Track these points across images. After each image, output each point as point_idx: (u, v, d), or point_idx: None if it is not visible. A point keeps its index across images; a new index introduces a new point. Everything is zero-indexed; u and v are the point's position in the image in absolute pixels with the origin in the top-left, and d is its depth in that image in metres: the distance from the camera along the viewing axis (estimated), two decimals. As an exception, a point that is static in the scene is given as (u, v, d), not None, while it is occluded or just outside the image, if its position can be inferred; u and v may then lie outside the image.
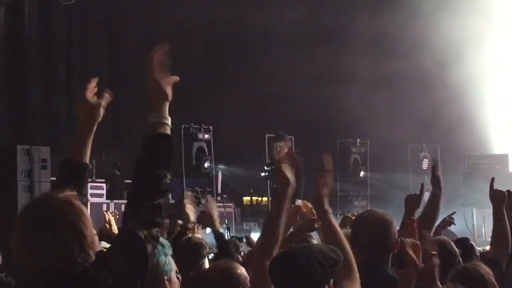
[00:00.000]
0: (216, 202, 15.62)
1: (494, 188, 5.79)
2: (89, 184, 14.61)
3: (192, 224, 6.75)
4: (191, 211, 6.82)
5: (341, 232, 3.58)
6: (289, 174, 3.69)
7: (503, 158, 17.39)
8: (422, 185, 5.80)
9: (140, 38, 19.24)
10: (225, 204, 15.56)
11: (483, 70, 18.67)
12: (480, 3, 17.80)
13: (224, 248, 6.42)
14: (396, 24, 16.87)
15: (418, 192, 5.57)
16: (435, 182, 5.47)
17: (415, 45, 17.29)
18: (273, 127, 16.42)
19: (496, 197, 5.65)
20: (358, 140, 17.75)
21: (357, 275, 3.50)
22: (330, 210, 3.62)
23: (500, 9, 18.66)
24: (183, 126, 15.39)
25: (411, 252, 4.01)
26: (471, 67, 17.84)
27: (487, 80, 18.89)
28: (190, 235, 6.43)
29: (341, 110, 16.83)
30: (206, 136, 15.68)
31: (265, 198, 16.88)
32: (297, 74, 17.64)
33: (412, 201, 5.47)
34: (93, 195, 14.40)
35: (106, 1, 19.26)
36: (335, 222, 3.62)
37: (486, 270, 4.58)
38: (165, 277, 3.63)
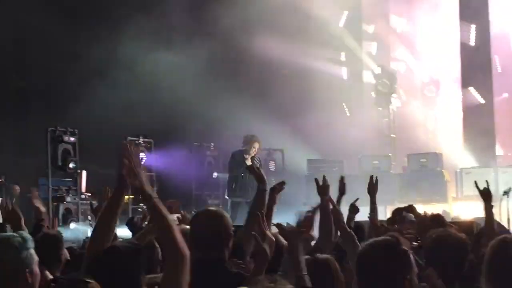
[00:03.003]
0: (81, 200, 15.54)
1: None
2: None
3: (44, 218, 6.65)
4: (40, 205, 6.74)
5: (170, 217, 3.34)
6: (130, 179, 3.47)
7: (339, 162, 17.93)
8: (282, 183, 6.03)
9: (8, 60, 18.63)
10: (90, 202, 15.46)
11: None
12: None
13: None
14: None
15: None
16: (258, 178, 5.54)
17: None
18: (134, 131, 16.35)
19: (323, 190, 5.89)
20: (212, 144, 17.86)
21: (186, 264, 3.26)
22: (154, 194, 3.36)
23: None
24: (49, 129, 15.25)
25: (264, 245, 4.09)
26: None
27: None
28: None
29: (196, 116, 16.92)
30: (72, 138, 15.55)
31: (126, 197, 16.72)
32: (156, 82, 17.56)
33: (274, 192, 5.70)
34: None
35: None
36: (163, 207, 3.35)
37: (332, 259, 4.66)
38: (27, 270, 3.57)
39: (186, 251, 3.28)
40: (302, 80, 19.25)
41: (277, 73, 19.04)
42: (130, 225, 7.72)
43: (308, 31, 19.75)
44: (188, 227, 4.62)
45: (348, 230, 5.46)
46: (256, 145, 14.47)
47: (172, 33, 18.02)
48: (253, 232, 4.23)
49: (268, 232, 4.26)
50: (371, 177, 7.30)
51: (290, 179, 17.58)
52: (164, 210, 3.34)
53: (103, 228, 3.79)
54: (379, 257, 3.63)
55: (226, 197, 15.11)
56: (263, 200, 5.30)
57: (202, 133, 17.97)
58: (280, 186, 5.82)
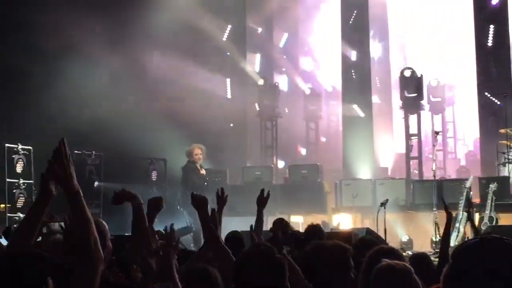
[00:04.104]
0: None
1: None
2: None
3: None
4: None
5: (91, 218, 3.26)
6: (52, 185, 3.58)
7: (222, 173, 18.04)
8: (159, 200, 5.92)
9: None
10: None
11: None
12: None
13: None
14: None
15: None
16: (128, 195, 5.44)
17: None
18: (13, 138, 15.90)
19: (200, 203, 5.77)
20: (94, 152, 17.59)
21: (100, 268, 3.19)
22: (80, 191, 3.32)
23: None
24: None
25: (150, 260, 4.07)
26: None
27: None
28: None
29: (78, 123, 16.61)
30: None
31: (2, 205, 16.27)
32: (34, 87, 17.18)
33: (155, 204, 5.57)
34: None
35: None
36: (86, 206, 3.29)
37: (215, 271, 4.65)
38: None
39: (102, 255, 3.21)
40: (185, 90, 19.23)
41: (159, 81, 18.95)
42: (7, 234, 7.49)
43: (194, 42, 19.79)
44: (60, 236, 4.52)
45: (222, 245, 5.44)
46: (197, 151, 15.03)
47: (54, 43, 17.67)
48: (141, 248, 4.21)
49: (155, 247, 4.27)
50: (262, 190, 7.21)
51: (172, 189, 17.65)
52: (87, 210, 3.27)
53: (25, 234, 3.66)
54: (256, 266, 3.66)
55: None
56: (141, 215, 5.25)
57: (83, 140, 17.67)
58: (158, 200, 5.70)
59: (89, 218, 3.25)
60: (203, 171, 15.10)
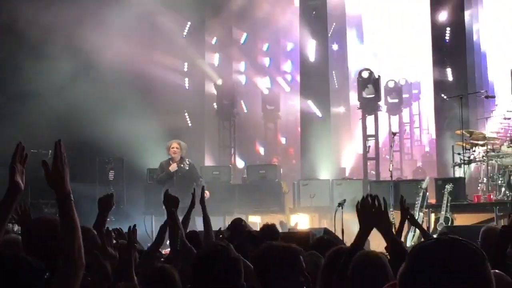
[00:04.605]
0: None
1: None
2: None
3: None
4: None
5: (78, 223, 3.21)
6: (19, 178, 3.50)
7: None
8: (110, 195, 5.83)
9: None
10: None
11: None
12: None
13: None
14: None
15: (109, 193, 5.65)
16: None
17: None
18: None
19: (170, 202, 5.78)
20: (50, 151, 17.41)
21: (81, 273, 3.14)
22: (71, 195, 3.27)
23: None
24: None
25: (104, 261, 4.03)
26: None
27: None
28: None
29: (35, 121, 16.45)
30: None
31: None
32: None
33: (105, 203, 5.51)
34: None
35: None
36: (75, 209, 3.24)
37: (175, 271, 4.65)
38: None
39: (83, 261, 3.16)
40: (145, 90, 19.12)
41: (116, 79, 18.79)
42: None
43: (152, 40, 19.70)
44: (17, 236, 4.49)
45: (189, 245, 5.47)
46: (174, 144, 14.98)
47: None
48: (95, 251, 4.18)
49: (109, 248, 4.25)
50: (203, 188, 7.36)
51: (129, 189, 17.56)
52: (76, 215, 3.22)
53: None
54: (213, 266, 3.67)
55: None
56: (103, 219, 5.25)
57: (40, 139, 17.47)
58: (108, 198, 5.63)
59: (76, 223, 3.20)
60: (172, 166, 14.87)
